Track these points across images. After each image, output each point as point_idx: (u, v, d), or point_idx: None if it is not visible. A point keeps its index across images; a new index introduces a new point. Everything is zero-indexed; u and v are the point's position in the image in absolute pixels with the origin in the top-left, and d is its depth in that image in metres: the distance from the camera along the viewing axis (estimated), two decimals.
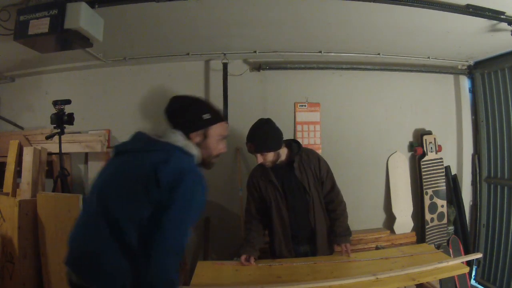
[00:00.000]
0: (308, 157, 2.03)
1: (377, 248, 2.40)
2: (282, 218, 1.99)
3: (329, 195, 2.05)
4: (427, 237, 3.24)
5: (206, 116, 1.31)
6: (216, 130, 1.33)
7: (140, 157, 1.15)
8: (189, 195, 1.10)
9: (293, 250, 2.00)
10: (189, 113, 1.30)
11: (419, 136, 3.42)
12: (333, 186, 2.06)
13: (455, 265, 1.82)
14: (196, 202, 1.13)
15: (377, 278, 1.64)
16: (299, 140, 3.37)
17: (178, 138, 1.23)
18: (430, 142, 3.37)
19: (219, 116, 1.36)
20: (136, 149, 1.20)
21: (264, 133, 1.92)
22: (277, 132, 1.95)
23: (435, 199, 3.31)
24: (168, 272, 1.04)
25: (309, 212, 1.99)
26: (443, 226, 3.30)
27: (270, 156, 1.90)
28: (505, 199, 3.05)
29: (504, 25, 2.29)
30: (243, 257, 1.91)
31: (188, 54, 3.07)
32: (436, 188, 3.33)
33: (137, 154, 1.17)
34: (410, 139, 3.50)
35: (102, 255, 1.08)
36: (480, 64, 3.33)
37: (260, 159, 1.92)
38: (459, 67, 3.43)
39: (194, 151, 1.25)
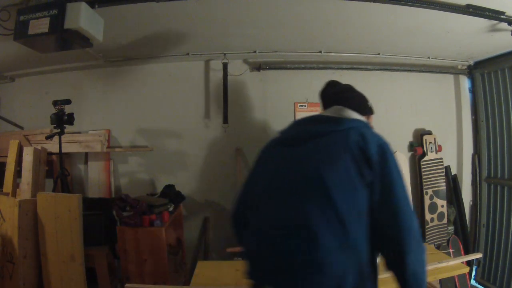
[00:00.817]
0: None
1: None
2: None
3: None
4: (427, 237, 3.24)
5: (370, 104, 1.31)
6: (372, 120, 1.30)
7: (334, 140, 1.02)
8: (398, 168, 1.01)
9: None
10: (358, 97, 1.28)
11: (419, 136, 3.42)
12: None
13: (455, 265, 1.82)
14: (401, 173, 1.02)
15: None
16: None
17: (357, 116, 1.14)
18: (430, 142, 3.37)
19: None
20: (321, 132, 1.06)
21: None
22: None
23: (435, 199, 3.31)
24: (424, 260, 0.97)
25: None
26: (443, 226, 3.30)
27: None
28: (505, 199, 3.05)
29: (504, 25, 2.29)
30: None
31: (188, 54, 3.07)
32: (436, 188, 3.33)
33: (328, 137, 1.04)
34: (410, 139, 3.50)
35: (325, 262, 0.90)
36: (480, 64, 3.33)
37: None
38: (459, 67, 3.43)
39: None
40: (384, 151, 1.00)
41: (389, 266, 0.99)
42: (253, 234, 1.06)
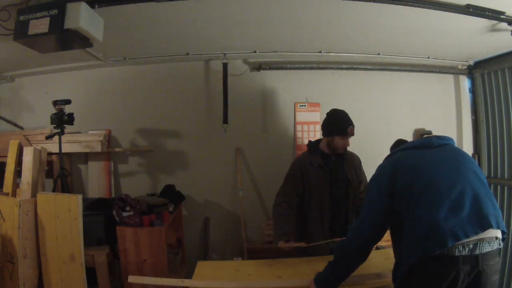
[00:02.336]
0: (352, 157, 2.24)
1: (377, 248, 2.40)
2: (323, 206, 2.08)
3: (361, 194, 2.17)
4: None
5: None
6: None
7: (455, 148, 1.47)
8: None
9: (328, 236, 2.03)
10: None
11: (419, 136, 3.42)
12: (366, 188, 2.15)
13: None
14: None
15: (379, 277, 1.65)
16: (299, 140, 3.38)
17: None
18: None
19: None
20: (448, 143, 1.47)
21: None
22: None
23: None
24: None
25: (348, 204, 2.11)
26: None
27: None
28: (505, 199, 3.05)
29: (504, 25, 2.29)
30: (283, 243, 1.91)
31: (188, 54, 3.08)
32: None
33: (450, 146, 1.46)
34: (410, 139, 3.49)
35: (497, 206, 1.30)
36: (480, 64, 3.33)
37: (349, 142, 2.10)
38: (459, 67, 3.43)
39: None
40: None
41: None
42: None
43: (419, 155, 1.42)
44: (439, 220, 1.20)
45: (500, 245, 1.25)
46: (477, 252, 1.19)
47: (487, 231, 1.19)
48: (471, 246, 1.19)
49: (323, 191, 2.08)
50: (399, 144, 1.68)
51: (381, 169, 1.48)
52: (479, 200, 1.23)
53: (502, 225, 1.24)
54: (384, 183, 1.40)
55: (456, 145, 1.51)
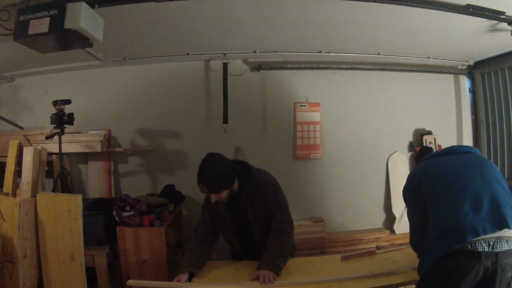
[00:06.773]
0: (259, 189, 1.85)
1: (377, 248, 2.40)
2: (231, 242, 2.03)
3: (274, 224, 1.86)
4: None
5: None
6: None
7: (478, 155, 1.57)
8: None
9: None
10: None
11: (419, 136, 3.42)
12: (282, 218, 1.88)
13: None
14: None
15: (375, 276, 1.65)
16: (299, 140, 3.38)
17: None
18: (430, 142, 3.37)
19: None
20: (471, 151, 1.58)
21: (214, 173, 1.77)
22: (227, 169, 1.79)
23: None
24: None
25: (254, 240, 1.91)
26: None
27: (225, 193, 1.77)
28: None
29: (504, 25, 2.30)
30: (176, 278, 1.70)
31: (188, 54, 3.08)
32: None
33: (474, 154, 1.56)
34: (410, 139, 3.50)
35: None
36: (480, 64, 3.34)
37: (214, 198, 1.79)
38: (459, 67, 3.44)
39: None
40: None
41: None
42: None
43: (442, 160, 1.56)
44: (459, 217, 1.31)
45: None
46: (497, 249, 1.28)
47: (504, 230, 1.28)
48: (491, 242, 1.28)
49: (228, 230, 1.93)
50: (424, 152, 1.91)
51: (409, 181, 1.60)
52: (498, 202, 1.33)
53: None
54: (415, 195, 1.53)
55: (480, 153, 1.62)
